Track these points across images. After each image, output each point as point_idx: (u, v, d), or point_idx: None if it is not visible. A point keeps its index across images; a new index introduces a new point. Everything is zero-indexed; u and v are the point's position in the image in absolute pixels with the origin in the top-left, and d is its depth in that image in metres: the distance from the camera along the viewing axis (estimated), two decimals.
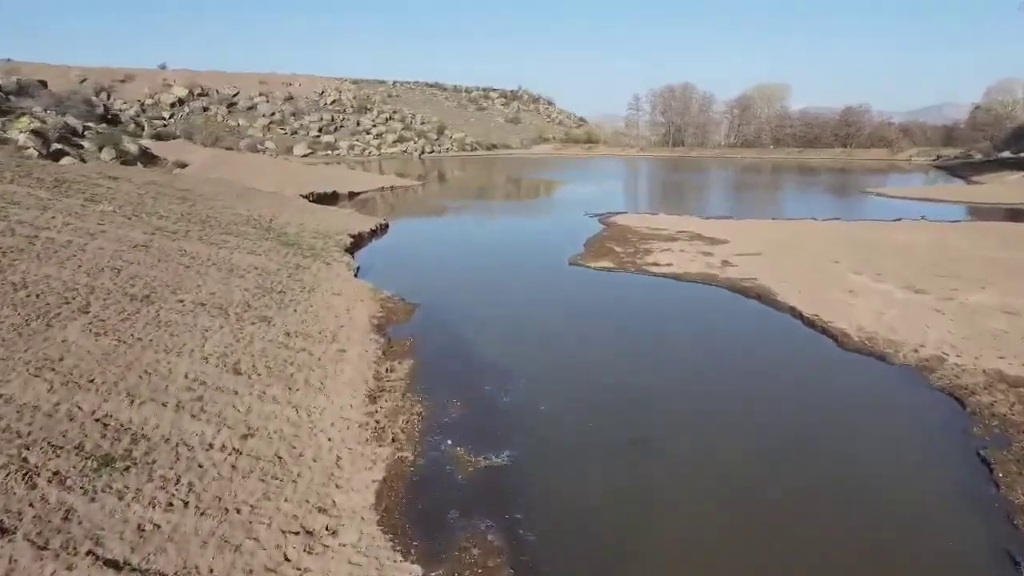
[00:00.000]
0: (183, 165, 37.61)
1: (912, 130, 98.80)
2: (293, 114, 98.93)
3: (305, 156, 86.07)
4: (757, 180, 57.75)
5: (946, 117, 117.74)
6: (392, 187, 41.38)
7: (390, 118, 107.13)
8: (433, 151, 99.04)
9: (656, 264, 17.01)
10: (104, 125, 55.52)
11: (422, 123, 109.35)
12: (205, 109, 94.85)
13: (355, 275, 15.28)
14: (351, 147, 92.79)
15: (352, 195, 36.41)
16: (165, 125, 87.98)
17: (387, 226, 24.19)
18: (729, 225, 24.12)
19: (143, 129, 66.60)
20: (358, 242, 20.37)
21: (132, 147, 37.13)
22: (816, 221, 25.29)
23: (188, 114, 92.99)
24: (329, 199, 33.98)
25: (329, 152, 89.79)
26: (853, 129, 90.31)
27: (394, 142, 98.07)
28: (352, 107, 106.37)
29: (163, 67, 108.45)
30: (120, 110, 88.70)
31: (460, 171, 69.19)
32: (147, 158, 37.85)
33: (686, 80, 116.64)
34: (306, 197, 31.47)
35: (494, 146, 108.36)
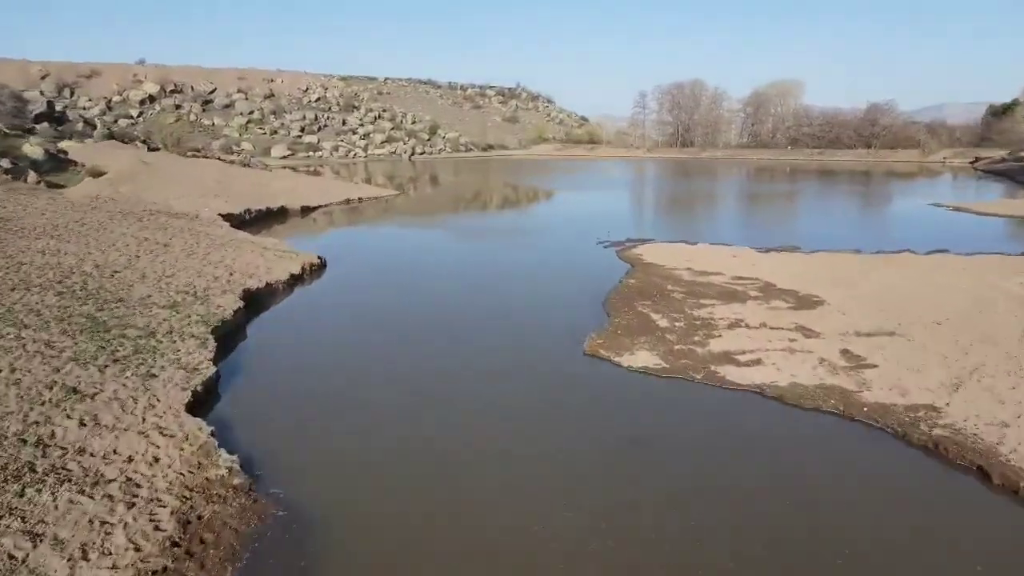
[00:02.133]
0: (99, 173, 30.63)
1: (937, 129, 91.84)
2: (273, 112, 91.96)
3: (284, 158, 79.20)
4: (784, 187, 50.74)
5: (947, 117, 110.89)
6: (361, 199, 34.44)
7: (379, 117, 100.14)
8: (424, 152, 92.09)
9: (731, 358, 10.06)
10: (45, 125, 48.65)
11: (413, 122, 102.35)
12: (178, 107, 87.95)
13: (194, 395, 8.31)
14: (335, 148, 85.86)
15: (306, 211, 29.44)
16: (133, 124, 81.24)
17: (322, 265, 17.25)
18: (803, 263, 17.17)
19: (95, 128, 59.62)
20: (259, 301, 13.43)
21: (35, 152, 30.20)
22: (920, 255, 18.34)
23: (159, 112, 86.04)
24: (272, 218, 27.03)
25: (311, 154, 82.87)
26: (878, 128, 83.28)
27: (382, 143, 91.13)
28: (338, 105, 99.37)
29: (142, 63, 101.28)
30: (84, 108, 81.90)
31: (451, 176, 62.21)
32: (56, 164, 30.93)
33: (694, 77, 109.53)
34: (238, 217, 24.53)
35: (490, 147, 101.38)
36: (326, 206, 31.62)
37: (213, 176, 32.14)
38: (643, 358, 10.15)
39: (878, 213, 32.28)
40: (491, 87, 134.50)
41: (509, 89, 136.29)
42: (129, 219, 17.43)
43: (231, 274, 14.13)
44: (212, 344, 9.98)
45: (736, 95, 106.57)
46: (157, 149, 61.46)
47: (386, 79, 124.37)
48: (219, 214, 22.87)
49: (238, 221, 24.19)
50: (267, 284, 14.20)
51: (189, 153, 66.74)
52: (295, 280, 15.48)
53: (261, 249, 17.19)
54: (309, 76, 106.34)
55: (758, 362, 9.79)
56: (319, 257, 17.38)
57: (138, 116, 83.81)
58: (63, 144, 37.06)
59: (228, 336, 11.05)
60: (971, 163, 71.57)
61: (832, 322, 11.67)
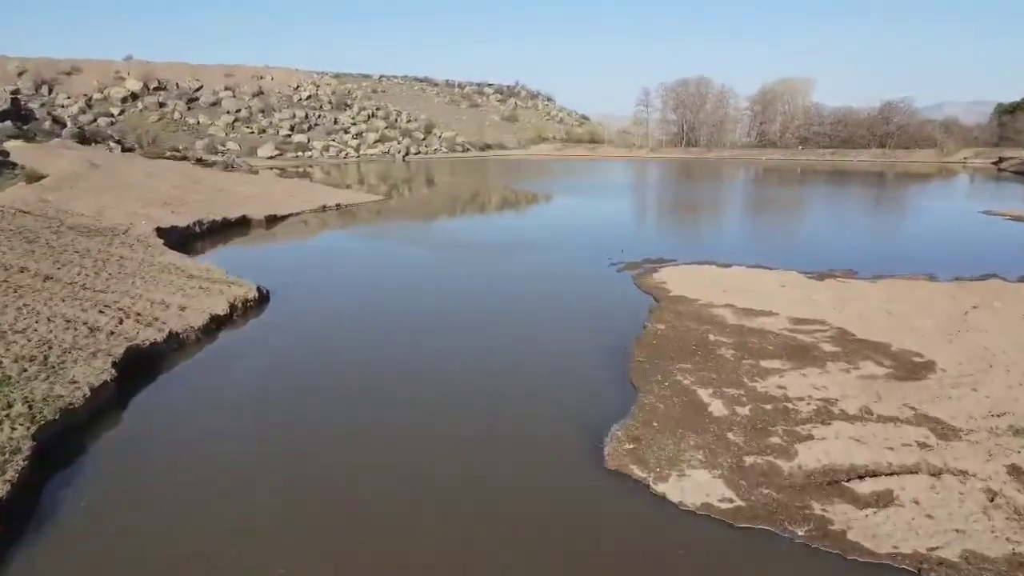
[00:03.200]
0: (38, 176, 26.92)
1: (952, 128, 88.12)
2: (262, 111, 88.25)
3: (271, 158, 75.63)
4: (805, 190, 47.04)
5: (948, 116, 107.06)
6: (340, 206, 30.73)
7: (372, 115, 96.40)
8: (419, 152, 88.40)
9: (841, 487, 6.35)
10: (8, 123, 44.95)
11: (408, 121, 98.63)
12: (161, 105, 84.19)
13: None
14: (326, 148, 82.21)
15: (272, 221, 25.73)
16: (113, 123, 77.45)
17: (262, 299, 13.55)
18: (874, 296, 13.45)
19: (64, 127, 55.93)
20: (153, 361, 9.74)
21: None
22: (1013, 283, 14.65)
23: (140, 111, 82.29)
24: (230, 230, 23.35)
25: (300, 154, 79.24)
26: (892, 127, 79.54)
27: (375, 142, 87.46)
28: (330, 103, 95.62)
29: (129, 59, 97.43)
30: (62, 106, 78.14)
31: (444, 178, 58.49)
32: None
33: (700, 74, 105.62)
34: (184, 231, 20.85)
35: (488, 146, 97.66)
36: (298, 214, 27.91)
37: (173, 180, 28.43)
38: (699, 483, 6.45)
39: (926, 223, 28.50)
40: (489, 85, 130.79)
41: (508, 87, 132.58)
42: (15, 240, 13.72)
43: (122, 320, 10.44)
44: (20, 463, 6.26)
45: (743, 93, 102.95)
46: (131, 149, 57.94)
47: (381, 77, 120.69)
48: (158, 228, 19.16)
49: (182, 236, 20.51)
50: (171, 334, 10.50)
51: (168, 153, 63.11)
52: (218, 323, 11.78)
53: (185, 278, 13.48)
54: (300, 73, 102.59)
55: (888, 498, 6.09)
56: (259, 289, 13.66)
57: (119, 114, 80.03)
58: (8, 144, 33.34)
59: (67, 439, 7.34)
60: (994, 163, 67.85)
61: (965, 404, 7.99)
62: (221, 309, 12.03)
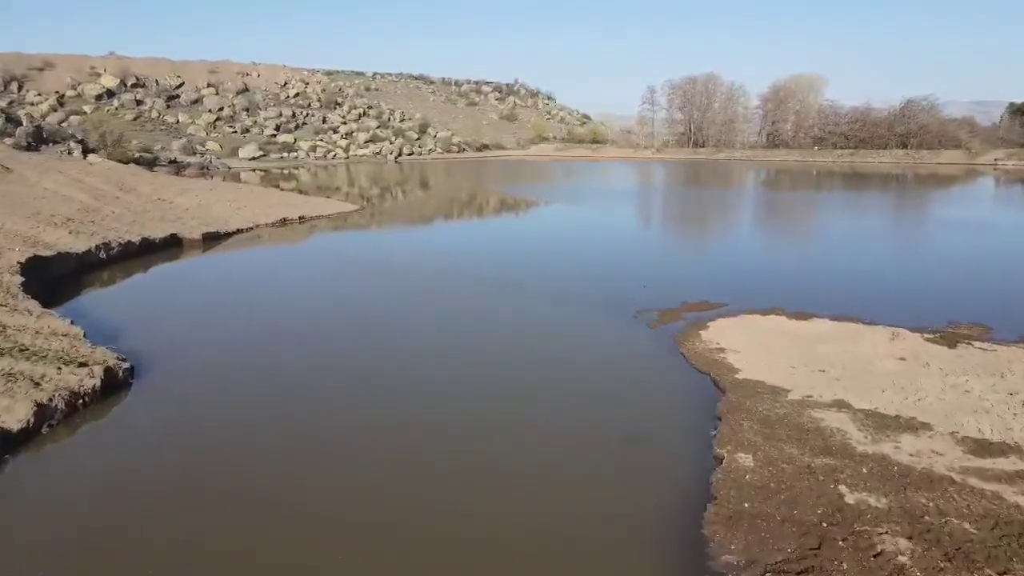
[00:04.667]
0: None
1: (976, 128, 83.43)
2: (246, 109, 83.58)
3: (254, 159, 70.97)
4: (838, 196, 42.33)
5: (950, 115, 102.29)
6: (304, 218, 26.00)
7: (364, 114, 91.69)
8: (412, 153, 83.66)
9: None
10: None
11: (402, 120, 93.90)
12: (139, 102, 79.49)
13: None
14: (313, 148, 77.51)
15: (212, 239, 20.99)
16: (85, 121, 72.57)
17: (118, 384, 8.83)
18: None
19: (19, 125, 51.17)
20: None
21: None
22: None
23: (117, 108, 77.52)
24: (152, 253, 18.61)
25: (285, 155, 74.60)
26: (915, 126, 74.77)
27: (366, 142, 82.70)
28: (319, 101, 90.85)
29: (112, 55, 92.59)
30: (32, 103, 73.35)
31: (437, 181, 53.73)
32: None
33: (709, 71, 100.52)
34: (82, 258, 16.12)
35: (485, 146, 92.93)
36: (250, 229, 23.19)
37: (96, 189, 23.68)
38: None
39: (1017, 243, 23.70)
40: (487, 83, 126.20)
41: (507, 85, 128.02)
42: None
43: None
44: None
45: (753, 90, 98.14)
46: (94, 151, 53.17)
47: (375, 74, 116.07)
48: (33, 258, 14.42)
49: (78, 265, 15.79)
50: None
51: (138, 154, 58.35)
52: (3, 449, 7.04)
53: None
54: (288, 70, 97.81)
55: None
56: (113, 368, 8.91)
57: (92, 112, 75.23)
58: None
59: None
60: None
61: None
62: (16, 422, 7.29)
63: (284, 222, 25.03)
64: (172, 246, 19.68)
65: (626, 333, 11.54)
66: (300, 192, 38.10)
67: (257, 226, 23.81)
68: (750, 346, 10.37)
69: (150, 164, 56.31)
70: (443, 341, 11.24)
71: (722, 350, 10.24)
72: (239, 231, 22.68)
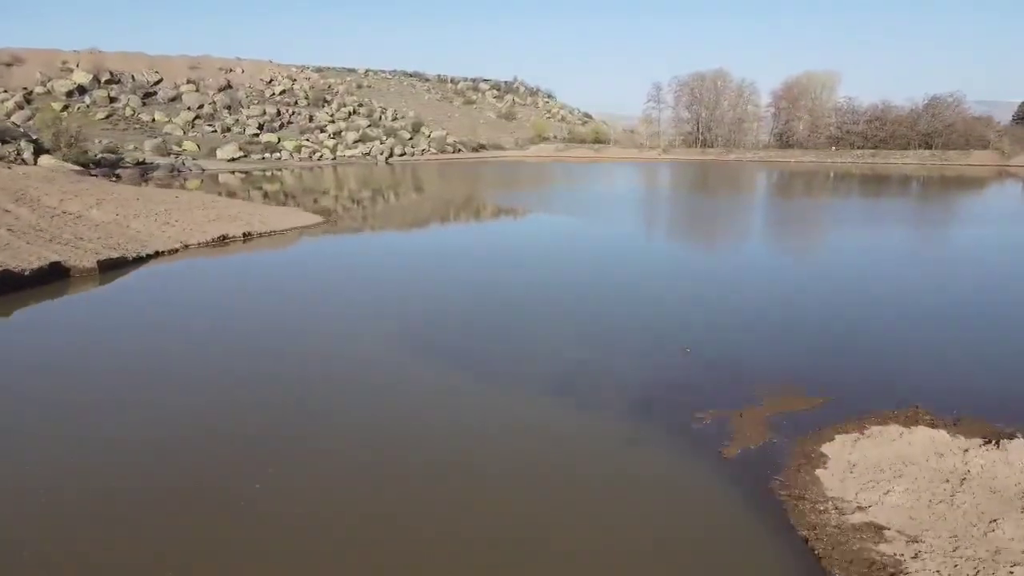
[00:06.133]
0: None
1: (1002, 128, 78.68)
2: (228, 107, 78.77)
3: (233, 160, 66.15)
4: (893, 206, 37.53)
5: None
6: (250, 235, 21.18)
7: (354, 112, 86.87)
8: (404, 154, 78.85)
9: None
10: None
11: (394, 119, 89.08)
12: (112, 99, 74.61)
13: None
14: (298, 149, 72.64)
15: (113, 267, 16.18)
16: (57, 119, 67.66)
17: None
18: None
19: None
20: None
21: None
22: None
23: (88, 106, 72.66)
24: (23, 286, 13.79)
25: (267, 155, 69.76)
26: (940, 125, 69.95)
27: (355, 142, 77.89)
28: (306, 99, 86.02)
29: (94, 51, 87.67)
30: None
31: (425, 185, 48.86)
32: None
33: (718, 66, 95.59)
34: None
35: (482, 146, 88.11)
36: (173, 252, 18.39)
37: None
38: None
39: None
40: (485, 80, 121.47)
41: (505, 83, 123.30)
42: None
43: None
44: None
45: (764, 87, 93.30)
46: (48, 151, 48.39)
47: (367, 71, 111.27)
48: None
49: None
50: None
51: (99, 155, 53.51)
52: None
53: None
54: (275, 66, 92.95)
55: None
56: None
57: (62, 110, 70.41)
58: None
59: None
60: None
61: None
62: None
63: (223, 241, 20.23)
64: (54, 278, 14.87)
65: (681, 474, 6.72)
66: (267, 197, 33.30)
67: (186, 247, 19.02)
68: (921, 511, 5.57)
69: (112, 166, 51.53)
70: (352, 503, 6.36)
71: (878, 531, 5.45)
72: (158, 254, 17.88)
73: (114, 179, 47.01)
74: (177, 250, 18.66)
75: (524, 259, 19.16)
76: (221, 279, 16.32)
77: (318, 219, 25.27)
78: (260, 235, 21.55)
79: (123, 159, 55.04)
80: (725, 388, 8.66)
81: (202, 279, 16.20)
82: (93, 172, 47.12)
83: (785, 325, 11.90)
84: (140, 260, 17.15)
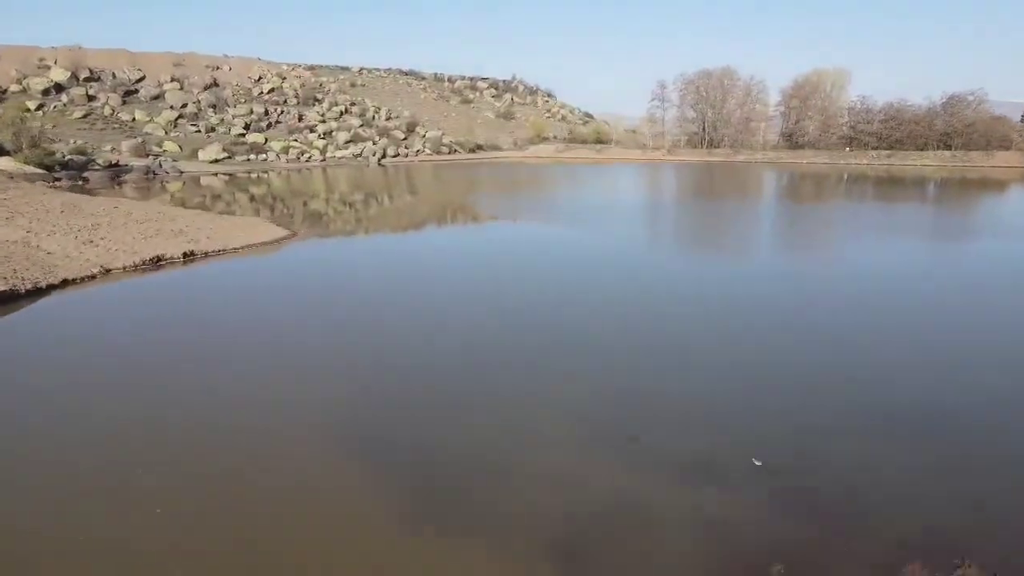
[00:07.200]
0: None
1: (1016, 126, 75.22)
2: (213, 106, 75.33)
3: (216, 162, 62.63)
4: (934, 213, 34.10)
5: None
6: (192, 255, 17.73)
7: (345, 111, 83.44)
8: (398, 154, 75.43)
9: None
10: None
11: (388, 118, 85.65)
12: (91, 98, 71.13)
13: None
14: (285, 149, 69.22)
15: (15, 298, 12.75)
16: (23, 120, 64.22)
17: None
18: None
19: None
20: None
21: None
22: None
23: (65, 104, 69.13)
24: None
25: (253, 156, 66.32)
26: (960, 124, 66.51)
27: (346, 143, 74.48)
28: (296, 97, 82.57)
29: (77, 48, 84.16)
30: None
31: (419, 187, 45.38)
32: None
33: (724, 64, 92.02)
34: None
35: (479, 147, 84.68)
36: (89, 279, 14.94)
37: None
38: None
39: None
40: (483, 79, 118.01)
41: (504, 82, 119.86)
42: None
43: None
44: None
45: (772, 86, 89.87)
46: (8, 153, 44.92)
47: (361, 69, 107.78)
48: None
49: None
50: None
51: (69, 156, 50.00)
52: None
53: None
54: (263, 64, 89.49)
55: None
56: None
57: (37, 109, 66.96)
58: None
59: None
60: None
61: None
62: None
63: (156, 263, 16.77)
64: None
65: None
66: (228, 207, 29.86)
67: (107, 271, 15.56)
68: None
69: (80, 168, 48.03)
70: None
71: None
72: (65, 283, 14.42)
73: (81, 183, 43.60)
74: (95, 276, 15.20)
75: (512, 309, 15.60)
76: (126, 325, 12.82)
77: (282, 233, 21.76)
78: (206, 254, 18.08)
79: (93, 161, 51.49)
80: (834, 548, 5.20)
81: (96, 327, 12.69)
82: (57, 175, 43.72)
83: (927, 421, 8.29)
84: (38, 293, 13.69)
